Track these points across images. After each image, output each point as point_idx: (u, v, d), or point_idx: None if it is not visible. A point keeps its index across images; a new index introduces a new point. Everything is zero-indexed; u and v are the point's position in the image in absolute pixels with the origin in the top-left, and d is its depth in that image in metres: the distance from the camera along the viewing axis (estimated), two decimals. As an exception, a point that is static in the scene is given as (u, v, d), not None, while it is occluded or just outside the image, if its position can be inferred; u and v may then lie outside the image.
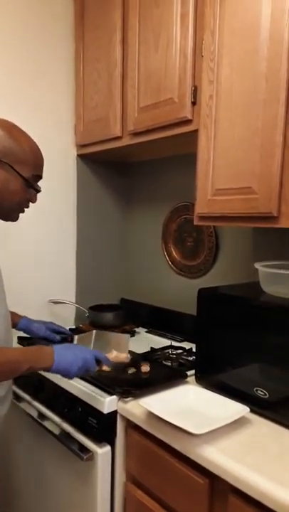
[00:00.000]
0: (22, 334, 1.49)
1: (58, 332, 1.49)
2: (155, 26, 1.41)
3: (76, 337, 1.51)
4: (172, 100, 1.37)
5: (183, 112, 1.34)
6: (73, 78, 1.85)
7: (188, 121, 1.34)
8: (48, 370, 1.03)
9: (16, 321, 1.43)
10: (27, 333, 1.46)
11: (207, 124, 1.26)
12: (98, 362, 1.12)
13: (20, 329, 1.44)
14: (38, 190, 1.14)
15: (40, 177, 1.15)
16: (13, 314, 1.40)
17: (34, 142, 1.12)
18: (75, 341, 1.48)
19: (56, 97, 1.83)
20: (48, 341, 1.44)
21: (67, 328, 1.61)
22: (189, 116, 1.33)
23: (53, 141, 1.84)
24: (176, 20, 1.33)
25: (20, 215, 1.25)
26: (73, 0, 1.82)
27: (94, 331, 1.51)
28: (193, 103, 1.31)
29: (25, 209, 1.18)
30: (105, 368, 1.27)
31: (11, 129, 1.07)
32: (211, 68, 1.23)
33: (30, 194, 1.13)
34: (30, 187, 1.10)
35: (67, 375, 1.05)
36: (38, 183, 1.16)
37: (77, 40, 1.80)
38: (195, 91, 1.30)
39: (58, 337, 1.47)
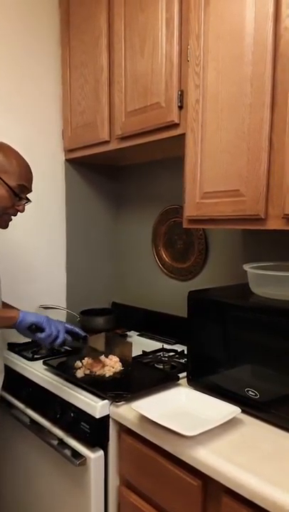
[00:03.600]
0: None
1: (71, 332, 1.43)
2: (141, 31, 1.42)
3: (90, 338, 1.50)
4: (159, 105, 1.38)
5: (170, 116, 1.35)
6: (60, 83, 1.85)
7: (175, 125, 1.35)
8: (15, 322, 1.18)
9: None
10: None
11: (194, 128, 1.27)
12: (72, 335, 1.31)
13: None
14: (21, 198, 1.26)
15: (26, 188, 1.27)
16: None
17: (23, 159, 1.27)
18: (89, 343, 1.47)
19: (43, 103, 1.83)
20: None
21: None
22: (176, 121, 1.34)
23: (41, 146, 1.84)
24: (162, 25, 1.35)
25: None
26: (58, 5, 1.82)
27: (104, 333, 1.54)
28: (180, 107, 1.32)
29: (14, 217, 1.29)
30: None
31: (3, 146, 1.24)
32: (196, 73, 1.24)
33: (18, 202, 1.25)
34: (16, 195, 1.22)
35: (38, 323, 1.19)
36: (28, 196, 1.29)
37: (63, 45, 1.81)
38: (181, 95, 1.31)
39: (70, 338, 1.40)
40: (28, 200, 1.30)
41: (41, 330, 1.21)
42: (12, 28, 1.71)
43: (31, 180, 1.29)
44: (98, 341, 1.50)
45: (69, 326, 1.45)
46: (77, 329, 1.42)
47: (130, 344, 1.46)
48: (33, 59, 1.79)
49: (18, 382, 1.50)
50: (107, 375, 1.33)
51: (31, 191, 1.30)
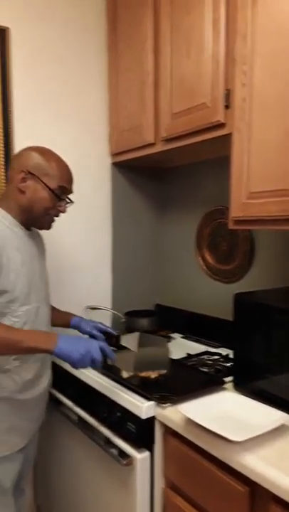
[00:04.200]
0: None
1: (104, 332, 1.50)
2: (187, 33, 1.42)
3: (122, 337, 1.53)
4: (205, 105, 1.37)
5: (216, 116, 1.33)
6: (107, 88, 1.89)
7: (221, 125, 1.34)
8: (50, 352, 1.14)
9: (70, 319, 1.53)
10: (77, 330, 1.52)
11: (240, 128, 1.25)
12: (105, 355, 1.21)
13: (72, 326, 1.52)
14: (62, 199, 1.30)
15: (67, 189, 1.31)
16: (68, 314, 1.55)
17: (63, 161, 1.31)
18: (121, 342, 1.51)
19: (91, 108, 1.87)
20: (94, 338, 1.46)
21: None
22: (222, 120, 1.32)
23: (89, 150, 1.88)
24: (208, 26, 1.34)
25: (58, 223, 1.34)
26: (106, 10, 1.85)
27: (138, 333, 1.53)
28: (227, 107, 1.31)
29: (57, 217, 1.34)
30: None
31: (44, 151, 1.29)
32: (243, 71, 1.23)
33: (59, 203, 1.30)
34: (56, 197, 1.27)
35: (70, 360, 1.14)
36: (70, 196, 1.33)
37: (111, 50, 1.84)
38: (228, 95, 1.30)
39: (102, 336, 1.48)
40: (70, 201, 1.34)
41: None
42: (62, 35, 1.76)
43: (71, 181, 1.33)
44: (131, 340, 1.51)
45: (102, 326, 1.51)
46: (110, 329, 1.52)
47: (166, 342, 1.45)
48: (82, 64, 1.83)
49: (66, 380, 1.53)
50: (152, 377, 1.33)
51: (72, 192, 1.34)
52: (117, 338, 1.52)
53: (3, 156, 1.64)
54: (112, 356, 1.23)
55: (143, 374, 1.35)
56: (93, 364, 1.17)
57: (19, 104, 1.68)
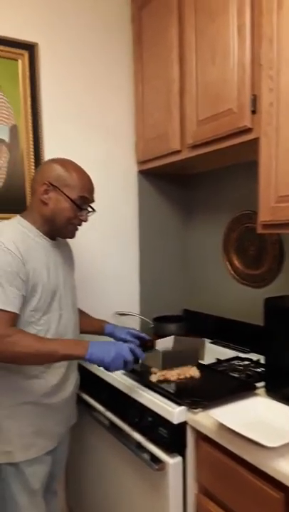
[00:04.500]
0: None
1: (138, 337, 1.52)
2: (212, 40, 1.43)
3: (157, 341, 1.55)
4: (231, 111, 1.38)
5: (242, 122, 1.34)
6: (133, 97, 1.92)
7: (248, 130, 1.34)
8: (83, 358, 1.19)
9: (104, 326, 1.55)
10: (112, 337, 1.53)
11: (268, 132, 1.25)
12: (136, 357, 1.25)
13: (106, 334, 1.54)
14: (83, 209, 1.33)
15: (88, 199, 1.34)
16: (102, 321, 1.57)
17: (84, 171, 1.34)
18: (156, 346, 1.54)
19: (118, 117, 1.91)
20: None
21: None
22: (249, 125, 1.32)
23: (116, 159, 1.91)
24: (233, 32, 1.34)
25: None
26: (131, 20, 1.89)
27: (173, 336, 1.54)
28: (253, 112, 1.31)
29: (80, 226, 1.36)
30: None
31: (65, 162, 1.33)
32: (270, 76, 1.23)
33: (80, 213, 1.32)
34: (78, 207, 1.30)
35: (103, 364, 1.19)
36: (93, 205, 1.36)
37: (136, 59, 1.87)
38: (254, 100, 1.30)
39: (137, 341, 1.49)
40: (92, 210, 1.37)
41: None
42: (87, 45, 1.81)
43: (92, 191, 1.36)
44: (165, 344, 1.52)
45: (135, 332, 1.53)
46: (143, 334, 1.54)
47: (201, 342, 1.45)
48: (108, 74, 1.87)
49: (95, 384, 1.55)
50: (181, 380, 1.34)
51: (94, 201, 1.37)
52: (152, 342, 1.54)
53: (33, 166, 1.68)
54: (142, 356, 1.29)
55: (173, 378, 1.35)
56: (125, 365, 1.22)
57: (48, 116, 1.73)
